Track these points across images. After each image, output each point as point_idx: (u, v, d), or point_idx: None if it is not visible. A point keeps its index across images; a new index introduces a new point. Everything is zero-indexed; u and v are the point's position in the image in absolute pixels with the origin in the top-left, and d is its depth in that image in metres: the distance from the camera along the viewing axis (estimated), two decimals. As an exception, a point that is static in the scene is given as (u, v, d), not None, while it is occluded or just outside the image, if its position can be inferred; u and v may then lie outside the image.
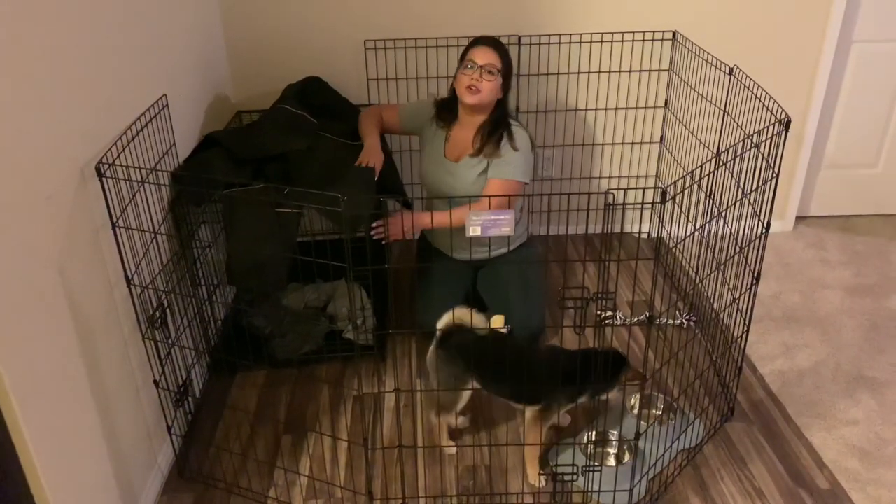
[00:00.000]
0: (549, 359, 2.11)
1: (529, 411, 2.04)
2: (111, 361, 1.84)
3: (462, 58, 2.51)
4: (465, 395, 2.13)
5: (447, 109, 2.62)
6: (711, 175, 1.86)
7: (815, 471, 2.11)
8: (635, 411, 2.27)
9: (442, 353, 2.09)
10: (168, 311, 2.03)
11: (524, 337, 2.44)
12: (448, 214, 2.44)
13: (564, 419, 2.25)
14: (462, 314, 2.05)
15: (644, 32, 3.06)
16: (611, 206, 1.60)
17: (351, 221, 2.09)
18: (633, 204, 1.69)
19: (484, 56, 2.44)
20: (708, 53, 2.68)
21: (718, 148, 2.68)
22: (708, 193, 2.05)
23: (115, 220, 1.79)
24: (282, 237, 2.15)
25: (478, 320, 2.06)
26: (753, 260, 2.08)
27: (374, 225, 2.35)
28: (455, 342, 2.08)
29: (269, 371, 2.56)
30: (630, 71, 3.13)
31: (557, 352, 2.22)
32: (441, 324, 2.09)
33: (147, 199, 1.97)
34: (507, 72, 2.49)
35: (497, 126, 2.52)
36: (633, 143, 3.29)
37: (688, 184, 1.73)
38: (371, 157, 2.47)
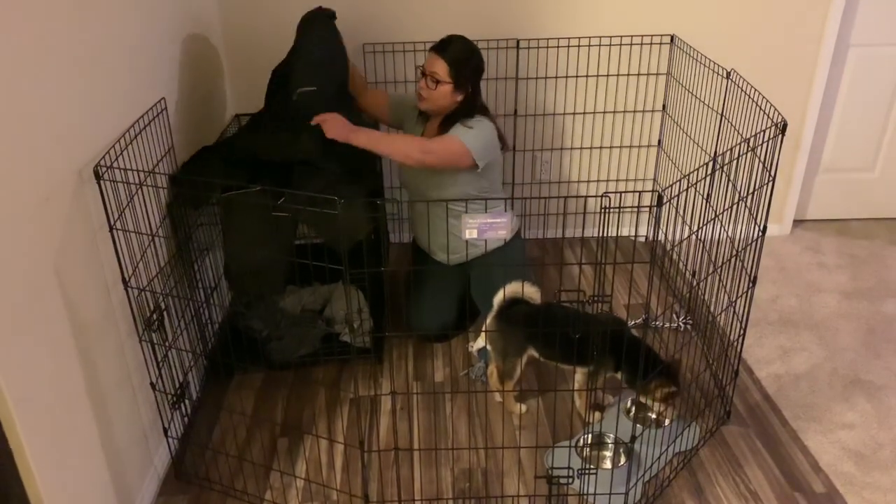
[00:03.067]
0: (600, 324, 2.15)
1: (580, 373, 2.28)
2: (108, 363, 1.84)
3: None
4: (522, 362, 2.26)
5: None
6: (708, 178, 1.87)
7: (811, 474, 2.11)
8: (631, 414, 2.27)
9: (501, 324, 2.23)
10: (165, 313, 2.03)
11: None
12: (382, 138, 2.38)
13: (607, 399, 2.36)
14: (515, 288, 2.22)
15: (642, 36, 3.07)
16: (607, 210, 1.60)
17: (347, 230, 2.08)
18: (630, 207, 1.69)
19: (431, 64, 2.45)
20: (705, 57, 2.68)
21: (715, 151, 2.69)
22: (705, 197, 2.06)
23: (112, 222, 1.80)
24: (279, 240, 2.15)
25: (531, 292, 2.24)
26: (750, 263, 2.08)
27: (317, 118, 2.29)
28: (513, 312, 2.23)
29: (265, 374, 2.56)
30: (628, 74, 3.14)
31: (612, 321, 2.26)
32: (497, 298, 2.24)
33: (145, 202, 1.97)
34: (458, 79, 2.44)
35: (453, 121, 2.49)
36: (630, 147, 3.29)
37: (685, 187, 1.74)
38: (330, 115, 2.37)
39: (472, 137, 2.43)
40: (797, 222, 3.52)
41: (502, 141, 2.58)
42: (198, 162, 2.35)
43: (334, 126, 2.28)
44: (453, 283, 2.69)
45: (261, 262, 2.17)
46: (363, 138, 2.31)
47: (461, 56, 2.46)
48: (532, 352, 2.26)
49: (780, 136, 1.93)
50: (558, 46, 3.07)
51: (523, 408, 2.37)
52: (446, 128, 2.50)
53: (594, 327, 2.09)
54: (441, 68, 2.43)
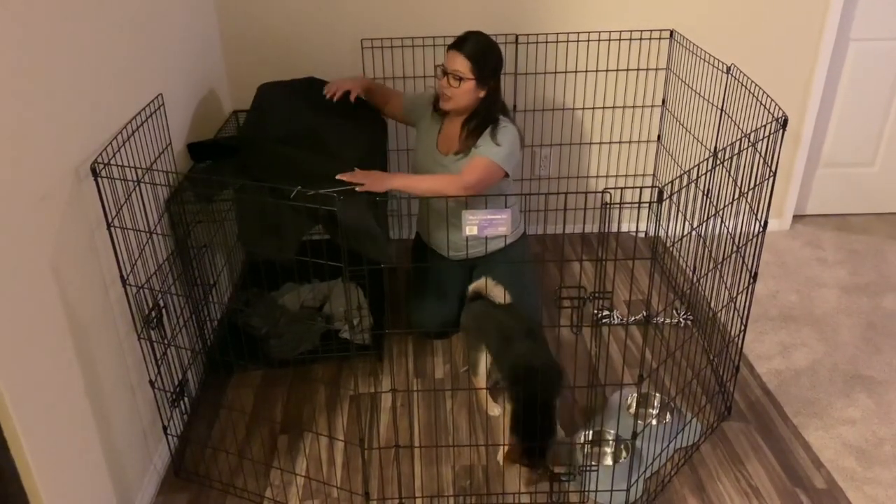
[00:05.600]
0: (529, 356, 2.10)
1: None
2: (106, 361, 1.83)
3: None
4: (487, 360, 2.24)
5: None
6: (709, 174, 1.86)
7: (811, 470, 2.11)
8: (632, 410, 2.26)
9: (467, 312, 2.33)
10: (164, 311, 2.03)
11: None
12: (420, 182, 2.41)
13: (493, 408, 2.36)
14: (479, 284, 2.29)
15: (641, 31, 3.06)
16: (608, 206, 1.60)
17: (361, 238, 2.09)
18: (630, 203, 1.68)
19: (452, 62, 2.43)
20: (705, 52, 2.67)
21: (716, 147, 2.68)
22: (705, 192, 2.05)
23: (110, 219, 1.79)
24: (294, 209, 2.12)
25: (495, 291, 2.28)
26: (750, 259, 2.08)
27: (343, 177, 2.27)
28: (475, 308, 2.30)
29: (265, 371, 2.55)
30: (627, 70, 3.13)
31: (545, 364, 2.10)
32: (472, 286, 2.33)
33: (143, 199, 1.96)
34: (481, 74, 2.43)
35: (482, 123, 2.50)
36: (630, 142, 3.28)
37: (685, 183, 1.73)
38: (332, 87, 2.57)
39: (505, 154, 2.42)
40: (797, 217, 3.52)
41: (522, 141, 2.60)
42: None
43: (372, 185, 2.32)
44: (455, 280, 2.69)
45: (275, 220, 2.14)
46: (398, 182, 2.34)
47: (481, 50, 2.44)
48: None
49: (781, 131, 1.92)
50: (557, 41, 3.06)
51: (497, 409, 2.34)
52: (471, 130, 2.49)
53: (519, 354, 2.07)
54: (462, 65, 2.41)
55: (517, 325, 2.18)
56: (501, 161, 2.41)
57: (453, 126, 2.57)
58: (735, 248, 2.10)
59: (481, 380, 2.31)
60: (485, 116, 2.49)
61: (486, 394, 2.35)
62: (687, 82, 2.90)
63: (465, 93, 2.44)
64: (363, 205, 2.11)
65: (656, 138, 3.27)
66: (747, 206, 2.03)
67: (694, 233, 2.04)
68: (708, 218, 2.04)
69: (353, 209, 2.06)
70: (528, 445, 1.94)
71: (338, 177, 2.18)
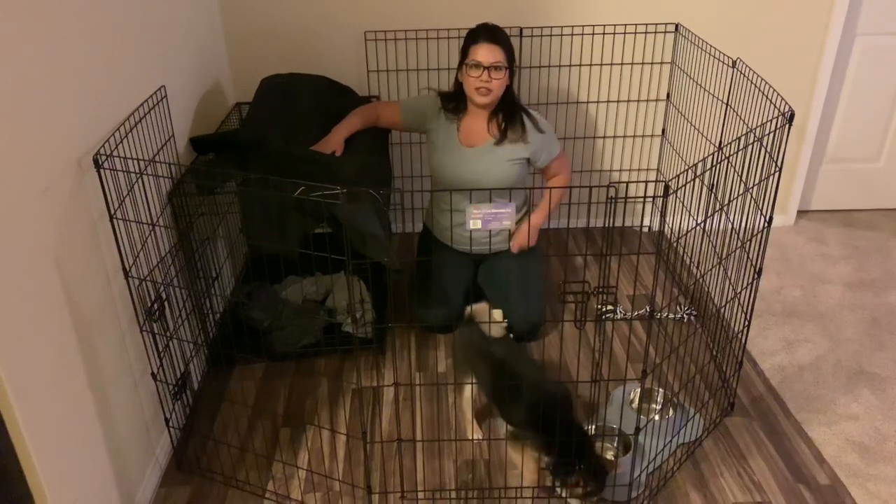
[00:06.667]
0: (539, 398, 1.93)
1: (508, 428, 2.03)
2: (108, 354, 1.83)
3: (464, 53, 2.46)
4: (473, 389, 2.16)
5: (454, 100, 2.58)
6: (714, 169, 1.85)
7: (814, 466, 2.11)
8: (635, 405, 2.26)
9: (457, 337, 2.20)
10: (166, 303, 2.02)
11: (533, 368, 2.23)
12: (547, 207, 2.61)
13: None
14: (482, 308, 2.12)
15: (646, 24, 3.04)
16: (613, 200, 1.59)
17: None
18: (636, 198, 1.67)
19: (488, 55, 2.40)
20: (711, 46, 2.66)
21: (721, 141, 2.67)
22: (710, 187, 2.04)
23: (112, 211, 1.78)
24: (297, 207, 2.12)
25: (495, 315, 2.12)
26: (755, 254, 2.07)
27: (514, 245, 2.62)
28: (464, 335, 2.14)
29: (267, 364, 2.55)
30: (632, 63, 3.11)
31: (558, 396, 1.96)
32: (468, 310, 2.17)
33: (145, 191, 1.95)
34: (511, 60, 2.46)
35: (513, 111, 2.52)
36: (634, 136, 3.27)
37: (690, 178, 1.72)
38: (324, 146, 2.46)
39: (555, 137, 2.62)
40: (801, 213, 3.50)
41: None
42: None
43: (523, 241, 2.61)
44: (461, 274, 2.68)
45: (281, 216, 2.14)
46: (538, 223, 2.68)
47: (507, 38, 2.46)
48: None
49: (787, 126, 1.91)
50: (562, 35, 3.04)
51: (479, 434, 2.22)
52: (505, 117, 2.52)
53: (532, 394, 1.92)
54: (501, 55, 2.41)
55: (517, 368, 2.03)
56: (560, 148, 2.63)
57: (475, 120, 2.55)
58: (740, 244, 2.09)
59: (466, 403, 2.20)
60: (512, 102, 2.52)
61: (471, 418, 2.21)
62: (692, 76, 2.88)
63: (502, 83, 2.45)
64: (366, 205, 2.11)
65: (661, 133, 3.26)
66: (752, 202, 2.02)
67: (698, 228, 2.03)
68: (713, 213, 2.03)
69: (355, 210, 2.05)
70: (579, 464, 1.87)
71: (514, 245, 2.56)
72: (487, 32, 2.43)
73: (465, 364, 2.15)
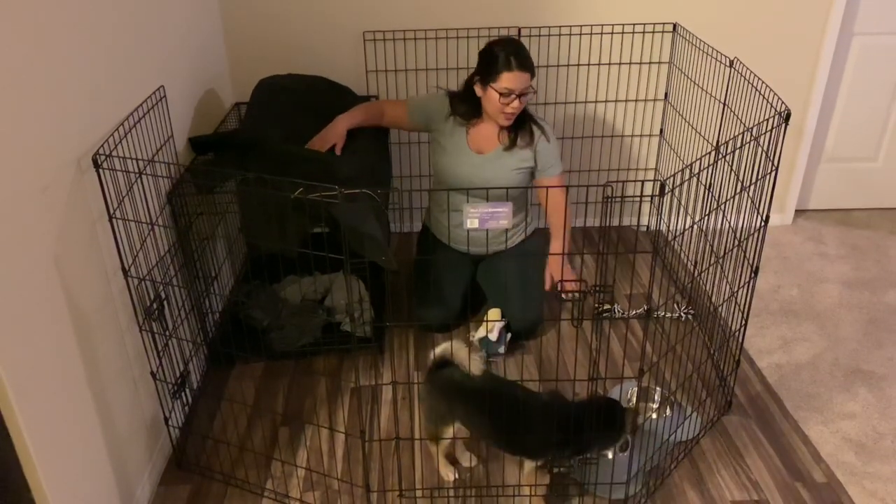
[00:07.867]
0: (547, 410, 1.85)
1: (528, 465, 1.90)
2: (108, 353, 1.84)
3: (490, 71, 2.39)
4: (450, 432, 1.98)
5: (464, 104, 2.54)
6: (711, 168, 1.86)
7: (811, 464, 2.11)
8: (632, 404, 2.27)
9: (428, 386, 1.93)
10: (165, 302, 2.03)
11: (520, 387, 1.99)
12: (562, 232, 2.62)
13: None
14: (457, 348, 1.87)
15: (644, 24, 3.05)
16: (609, 199, 1.59)
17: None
18: (632, 197, 1.68)
19: (521, 82, 2.38)
20: (708, 46, 2.67)
21: (718, 141, 2.67)
22: (707, 186, 2.05)
23: (112, 211, 1.79)
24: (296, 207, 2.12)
25: (474, 363, 1.87)
26: (752, 253, 2.07)
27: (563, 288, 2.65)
28: (441, 379, 1.91)
29: (266, 363, 2.56)
30: (630, 63, 3.12)
31: (556, 402, 1.87)
32: (437, 351, 1.92)
33: (144, 191, 1.96)
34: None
35: (523, 119, 2.53)
36: (632, 136, 3.28)
37: (687, 177, 1.73)
38: (326, 135, 2.45)
39: (558, 152, 2.64)
40: (799, 212, 3.51)
41: None
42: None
43: (558, 273, 2.62)
44: (461, 273, 2.69)
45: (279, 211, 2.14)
46: (559, 246, 2.62)
47: (532, 60, 2.43)
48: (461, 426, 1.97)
49: (784, 125, 1.92)
50: (560, 35, 3.05)
51: (473, 460, 2.12)
52: (520, 132, 2.53)
53: (539, 416, 1.82)
54: (529, 80, 2.41)
55: (512, 391, 1.92)
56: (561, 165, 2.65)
57: (486, 126, 2.55)
58: (737, 243, 2.10)
59: (442, 446, 2.04)
60: (523, 111, 2.51)
61: (443, 459, 2.09)
62: (689, 76, 2.89)
63: (525, 102, 2.47)
64: (363, 205, 2.11)
65: (658, 132, 3.27)
66: (749, 201, 2.03)
67: (696, 227, 2.04)
68: (710, 212, 2.04)
69: (352, 210, 2.06)
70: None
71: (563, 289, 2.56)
72: (520, 61, 2.37)
73: (440, 415, 1.96)
